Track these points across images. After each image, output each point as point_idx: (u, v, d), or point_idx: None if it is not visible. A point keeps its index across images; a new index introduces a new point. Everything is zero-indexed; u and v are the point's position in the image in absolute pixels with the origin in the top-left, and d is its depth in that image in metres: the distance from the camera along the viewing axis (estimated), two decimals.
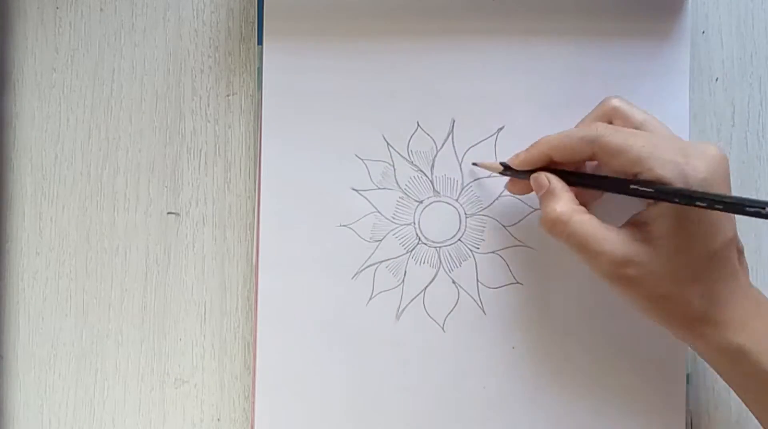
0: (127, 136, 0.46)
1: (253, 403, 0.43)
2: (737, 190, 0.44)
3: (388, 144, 0.44)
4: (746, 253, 0.44)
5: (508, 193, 0.43)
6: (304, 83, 0.44)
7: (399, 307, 0.44)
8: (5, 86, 0.46)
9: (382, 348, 0.43)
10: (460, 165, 0.44)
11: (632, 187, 0.36)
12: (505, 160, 0.42)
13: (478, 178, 0.44)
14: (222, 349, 0.45)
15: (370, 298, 0.44)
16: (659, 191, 0.35)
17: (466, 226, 0.44)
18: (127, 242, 0.46)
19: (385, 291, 0.44)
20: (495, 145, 0.44)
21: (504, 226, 0.43)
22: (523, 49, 0.43)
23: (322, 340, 0.43)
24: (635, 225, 0.37)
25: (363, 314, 0.43)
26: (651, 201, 0.37)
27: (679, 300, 0.36)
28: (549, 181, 0.39)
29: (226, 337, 0.45)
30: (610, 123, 0.40)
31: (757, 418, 0.38)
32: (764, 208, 0.32)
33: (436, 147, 0.44)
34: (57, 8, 0.46)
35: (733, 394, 0.43)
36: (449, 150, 0.44)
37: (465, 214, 0.44)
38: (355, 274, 0.44)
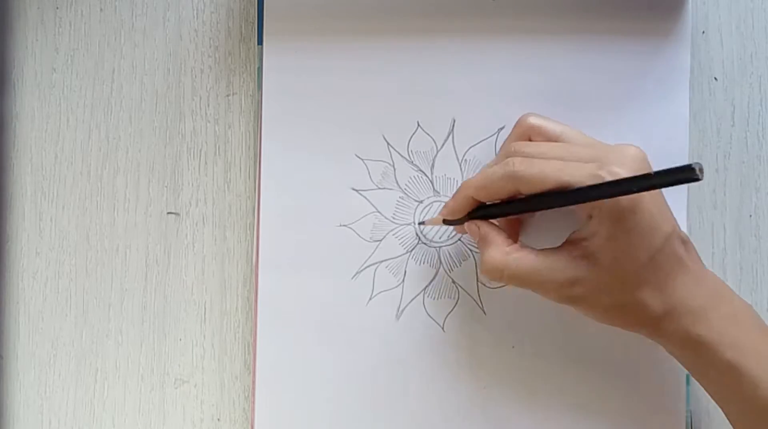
0: (127, 136, 0.46)
1: (253, 403, 0.43)
2: (737, 190, 0.44)
3: (388, 144, 0.44)
4: (746, 253, 0.44)
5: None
6: (304, 83, 0.44)
7: (399, 307, 0.44)
8: (5, 86, 0.46)
9: (382, 348, 0.43)
10: (461, 165, 0.44)
11: (570, 198, 0.36)
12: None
13: None
14: (222, 349, 0.45)
15: (370, 298, 0.44)
16: (583, 195, 0.35)
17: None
18: (127, 242, 0.46)
19: (385, 291, 0.44)
20: (495, 145, 0.44)
21: None
22: (524, 48, 0.43)
23: (322, 340, 0.43)
24: (573, 243, 0.38)
25: (363, 314, 0.43)
26: (586, 217, 0.37)
27: (632, 305, 0.37)
28: (479, 228, 0.40)
29: (226, 337, 0.45)
30: (530, 139, 0.40)
31: (720, 407, 0.38)
32: (693, 172, 0.31)
33: (437, 147, 0.44)
34: (57, 8, 0.46)
35: None
36: (449, 150, 0.44)
37: None
38: (355, 274, 0.44)
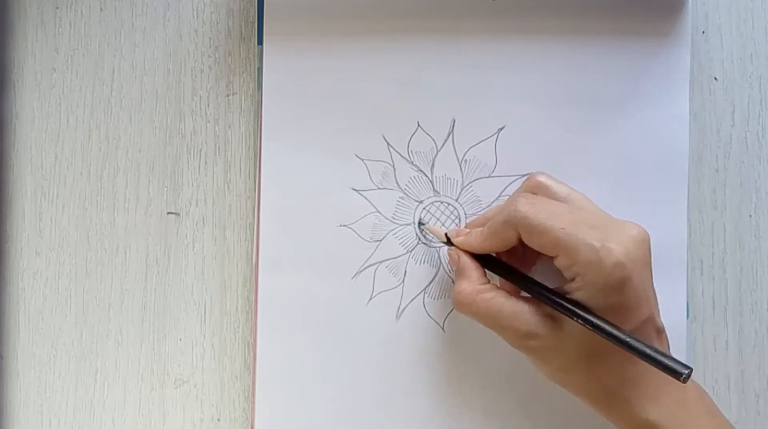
0: (127, 136, 0.46)
1: (253, 403, 0.43)
2: (737, 190, 0.44)
3: (388, 144, 0.44)
4: (746, 253, 0.44)
5: (509, 194, 0.43)
6: (304, 83, 0.44)
7: (399, 307, 0.44)
8: (5, 86, 0.46)
9: (382, 348, 0.43)
10: (461, 165, 0.44)
11: (547, 299, 0.37)
12: (449, 231, 0.42)
13: (478, 178, 0.44)
14: (222, 349, 0.45)
15: (370, 298, 0.44)
16: (570, 311, 0.36)
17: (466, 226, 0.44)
18: (127, 242, 0.46)
19: (385, 291, 0.44)
20: (495, 145, 0.44)
21: None
22: (524, 48, 0.43)
23: (322, 340, 0.43)
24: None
25: (363, 314, 0.43)
26: (570, 278, 0.36)
27: (584, 376, 0.37)
28: (459, 258, 0.40)
29: (226, 337, 0.45)
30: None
31: None
32: (681, 372, 0.33)
33: (437, 147, 0.44)
34: (57, 8, 0.46)
35: (732, 393, 0.43)
36: (449, 150, 0.44)
37: (465, 214, 0.44)
38: (355, 274, 0.44)
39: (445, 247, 0.44)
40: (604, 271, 0.35)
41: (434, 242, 0.44)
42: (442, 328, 0.43)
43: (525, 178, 0.42)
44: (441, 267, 0.44)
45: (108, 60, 0.46)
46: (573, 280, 0.36)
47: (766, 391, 0.44)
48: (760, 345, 0.44)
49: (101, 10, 0.46)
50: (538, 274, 0.40)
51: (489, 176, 0.44)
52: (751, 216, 0.44)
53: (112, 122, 0.46)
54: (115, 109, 0.46)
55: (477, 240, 0.40)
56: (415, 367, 0.43)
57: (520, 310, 0.37)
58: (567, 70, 0.43)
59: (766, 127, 0.44)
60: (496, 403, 0.43)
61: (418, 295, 0.44)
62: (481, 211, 0.44)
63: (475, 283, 0.39)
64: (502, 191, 0.44)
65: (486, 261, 0.40)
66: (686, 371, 0.33)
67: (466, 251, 0.40)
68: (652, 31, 0.43)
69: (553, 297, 0.37)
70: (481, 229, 0.40)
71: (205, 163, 0.46)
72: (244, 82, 0.46)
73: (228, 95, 0.46)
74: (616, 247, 0.35)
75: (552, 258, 0.37)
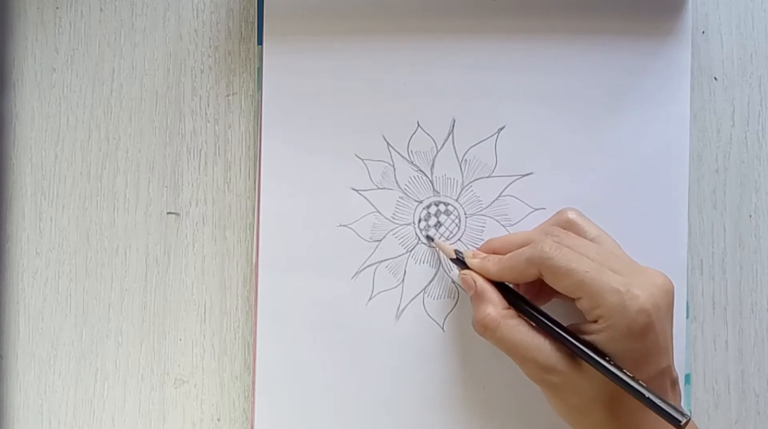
0: (127, 136, 0.46)
1: (253, 403, 0.43)
2: (737, 190, 0.44)
3: (388, 144, 0.44)
4: (746, 253, 0.44)
5: (509, 194, 0.43)
6: (304, 83, 0.44)
7: (399, 307, 0.44)
8: (5, 86, 0.46)
9: (382, 348, 0.43)
10: (461, 165, 0.44)
11: (557, 336, 0.37)
12: (463, 251, 0.42)
13: (478, 178, 0.44)
14: (222, 349, 0.45)
15: (370, 298, 0.44)
16: (576, 348, 0.36)
17: (465, 226, 0.44)
18: (127, 242, 0.46)
19: (385, 291, 0.44)
20: (495, 145, 0.44)
21: (503, 226, 0.43)
22: (524, 48, 0.43)
23: (322, 340, 0.43)
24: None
25: (363, 314, 0.43)
26: (592, 319, 0.36)
27: (599, 419, 0.36)
28: (475, 283, 0.40)
29: (226, 337, 0.45)
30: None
31: None
32: (680, 418, 0.33)
33: (437, 147, 0.44)
34: (57, 8, 0.46)
35: (732, 393, 0.43)
36: (449, 150, 0.44)
37: (465, 214, 0.44)
38: (355, 274, 0.44)
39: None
40: (627, 316, 0.35)
41: (434, 242, 0.44)
42: (442, 328, 0.43)
43: (558, 214, 0.41)
44: (440, 267, 0.44)
45: (108, 60, 0.46)
46: (595, 322, 0.36)
47: (766, 391, 0.44)
48: (760, 345, 0.44)
49: (101, 10, 0.46)
50: (551, 310, 0.39)
51: (489, 176, 0.44)
52: (751, 216, 0.44)
53: (112, 122, 0.46)
54: (115, 109, 0.46)
55: (495, 267, 0.40)
56: (415, 367, 0.43)
57: (542, 343, 0.37)
58: (567, 70, 0.43)
59: (766, 127, 0.44)
60: (496, 403, 0.43)
61: (417, 295, 0.44)
62: (481, 211, 0.44)
63: (499, 307, 0.38)
64: (502, 191, 0.44)
65: (500, 288, 0.40)
66: (684, 419, 0.33)
67: (482, 277, 0.40)
68: (652, 31, 0.43)
69: (563, 333, 0.37)
70: (499, 257, 0.40)
71: (205, 163, 0.46)
72: (244, 82, 0.46)
73: (228, 95, 0.46)
74: (641, 294, 0.35)
75: (572, 299, 0.37)
